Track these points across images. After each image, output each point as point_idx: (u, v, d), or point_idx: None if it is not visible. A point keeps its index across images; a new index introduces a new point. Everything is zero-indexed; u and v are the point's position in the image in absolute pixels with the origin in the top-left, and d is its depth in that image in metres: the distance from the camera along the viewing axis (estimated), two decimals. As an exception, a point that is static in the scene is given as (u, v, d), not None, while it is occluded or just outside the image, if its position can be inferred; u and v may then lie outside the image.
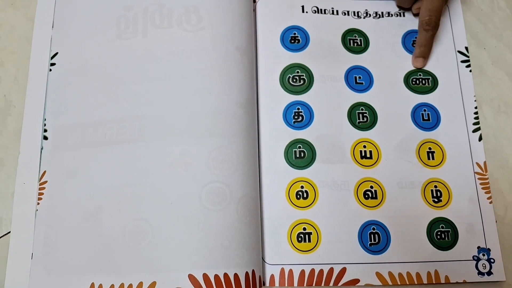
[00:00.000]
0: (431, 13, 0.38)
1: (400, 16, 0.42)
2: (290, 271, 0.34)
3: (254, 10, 0.41)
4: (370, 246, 0.35)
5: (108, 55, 0.38)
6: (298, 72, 0.40)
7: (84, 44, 0.39)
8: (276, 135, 0.38)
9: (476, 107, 0.39)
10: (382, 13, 0.42)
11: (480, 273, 0.35)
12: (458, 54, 0.41)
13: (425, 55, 0.40)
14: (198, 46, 0.37)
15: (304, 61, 0.40)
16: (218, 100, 0.35)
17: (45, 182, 0.36)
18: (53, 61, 0.39)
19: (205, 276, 0.32)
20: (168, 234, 0.33)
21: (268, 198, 0.36)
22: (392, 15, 0.42)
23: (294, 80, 0.39)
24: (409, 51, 0.41)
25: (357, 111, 0.39)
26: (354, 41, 0.41)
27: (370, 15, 0.42)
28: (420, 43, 0.40)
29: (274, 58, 0.40)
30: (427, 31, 0.39)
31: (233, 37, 0.38)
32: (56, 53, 0.39)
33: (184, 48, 0.37)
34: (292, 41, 0.41)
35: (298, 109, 0.39)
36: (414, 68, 0.40)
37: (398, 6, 0.42)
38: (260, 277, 0.33)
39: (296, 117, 0.38)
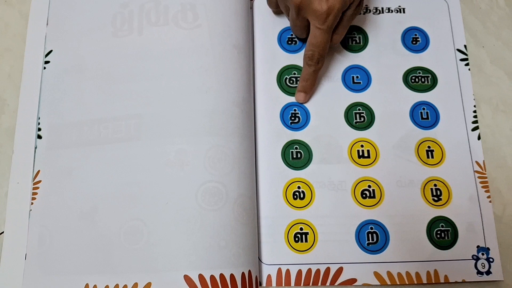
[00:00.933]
0: (313, 48, 0.35)
1: (400, 12, 0.42)
2: (287, 271, 0.34)
3: (252, 8, 0.41)
4: (368, 245, 0.35)
5: (103, 53, 0.38)
6: (295, 73, 0.40)
7: (79, 42, 0.38)
8: (273, 136, 0.38)
9: (475, 106, 0.39)
10: (382, 8, 0.42)
11: (479, 272, 0.35)
12: (457, 53, 0.41)
13: (307, 90, 0.38)
14: (194, 44, 0.37)
15: (300, 63, 0.40)
16: (214, 99, 0.35)
17: (39, 181, 0.35)
18: (47, 59, 0.38)
19: (201, 277, 0.31)
20: (164, 234, 0.32)
21: (265, 198, 0.36)
22: (392, 11, 0.42)
23: (291, 82, 0.39)
24: (409, 48, 0.41)
25: (354, 111, 0.39)
26: (353, 39, 0.41)
27: (370, 11, 0.41)
28: (303, 77, 0.38)
29: (271, 58, 0.40)
30: (309, 66, 0.37)
31: (230, 34, 0.37)
32: (51, 51, 0.39)
33: (180, 45, 0.37)
34: (289, 42, 0.40)
35: (295, 110, 0.38)
36: (413, 66, 0.40)
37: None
38: (256, 277, 0.33)
39: (293, 118, 0.38)
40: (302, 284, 0.34)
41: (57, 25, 0.39)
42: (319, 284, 0.34)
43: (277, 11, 0.41)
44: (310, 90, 0.38)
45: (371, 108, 0.39)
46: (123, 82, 0.37)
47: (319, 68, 0.37)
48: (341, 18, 0.35)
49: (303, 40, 0.40)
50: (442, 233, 0.36)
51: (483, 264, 0.35)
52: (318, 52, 0.36)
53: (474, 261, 0.35)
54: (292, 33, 0.40)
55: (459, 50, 0.41)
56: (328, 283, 0.34)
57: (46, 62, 0.38)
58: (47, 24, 0.39)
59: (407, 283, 0.34)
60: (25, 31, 0.40)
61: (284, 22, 0.41)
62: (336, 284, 0.34)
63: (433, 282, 0.34)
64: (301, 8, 0.34)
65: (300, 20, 0.36)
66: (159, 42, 0.37)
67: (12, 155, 0.36)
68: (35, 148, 0.36)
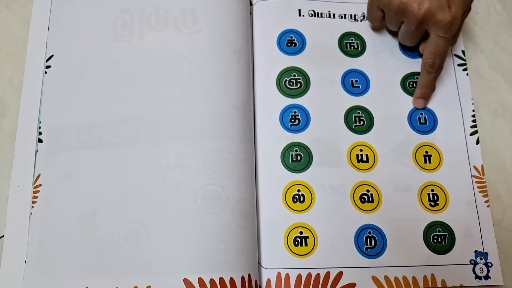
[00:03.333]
0: (435, 56, 0.37)
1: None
2: (287, 275, 0.34)
3: (251, 13, 0.41)
4: (366, 250, 0.35)
5: (104, 58, 0.38)
6: (294, 75, 0.40)
7: (80, 47, 0.39)
8: (273, 138, 0.38)
9: (473, 110, 0.39)
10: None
11: (477, 277, 0.35)
12: (455, 58, 0.41)
13: (427, 96, 0.39)
14: (194, 48, 0.37)
15: (300, 65, 0.40)
16: (214, 103, 0.35)
17: (40, 185, 0.35)
18: (48, 63, 0.39)
19: (201, 281, 0.31)
20: (164, 238, 0.32)
21: (264, 202, 0.36)
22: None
23: (291, 84, 0.39)
24: (407, 54, 0.41)
25: (353, 115, 0.39)
26: (351, 45, 0.41)
27: (366, 18, 0.42)
28: (422, 84, 0.38)
29: (270, 61, 0.40)
30: (430, 73, 0.38)
31: (230, 39, 0.38)
32: (52, 56, 0.39)
33: (180, 50, 0.37)
34: (289, 44, 0.40)
35: (295, 112, 0.39)
36: (411, 71, 0.40)
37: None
38: (256, 281, 0.33)
39: (292, 120, 0.38)
40: (301, 288, 0.34)
41: (58, 30, 0.39)
42: (319, 288, 0.34)
43: (379, 26, 0.41)
44: (429, 96, 0.39)
45: (370, 112, 0.39)
46: (123, 86, 0.37)
47: (438, 75, 0.38)
48: (460, 25, 0.36)
49: (411, 49, 0.40)
50: (439, 238, 0.36)
51: (481, 269, 0.35)
52: (439, 59, 0.37)
53: (472, 266, 0.35)
54: (291, 35, 0.41)
55: (457, 56, 0.41)
56: (327, 288, 0.34)
57: (47, 67, 0.39)
58: (48, 29, 0.40)
59: (403, 287, 0.34)
60: (26, 36, 0.40)
61: (283, 25, 0.41)
62: (335, 288, 0.34)
63: (430, 286, 0.34)
64: (423, 21, 0.35)
65: (419, 32, 0.37)
66: (159, 46, 0.37)
67: (13, 159, 0.36)
68: (36, 152, 0.36)
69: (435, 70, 0.37)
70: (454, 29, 0.35)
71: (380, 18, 0.39)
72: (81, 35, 0.39)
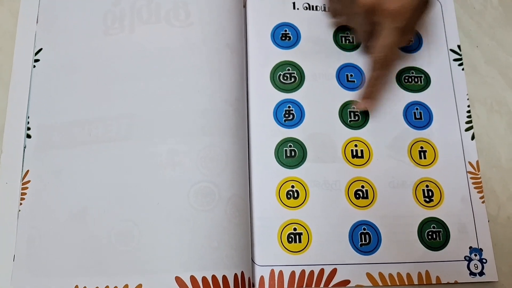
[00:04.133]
0: (382, 50, 0.34)
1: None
2: (280, 273, 0.34)
3: (245, 6, 0.41)
4: (361, 246, 0.35)
5: (94, 51, 0.37)
6: (289, 69, 0.39)
7: (69, 40, 0.38)
8: (266, 134, 0.37)
9: (469, 106, 0.39)
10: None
11: (472, 273, 0.35)
12: (451, 53, 0.41)
13: (374, 96, 0.37)
14: (186, 42, 0.36)
15: (295, 59, 0.39)
16: (207, 98, 0.35)
17: (28, 181, 0.35)
18: (37, 57, 0.38)
19: (193, 278, 0.31)
20: (155, 236, 0.32)
21: (258, 198, 0.36)
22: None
23: (285, 78, 0.39)
24: (402, 48, 0.40)
25: (348, 110, 0.38)
26: (346, 38, 0.41)
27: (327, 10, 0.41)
28: (369, 83, 0.36)
29: (264, 55, 0.40)
30: (379, 69, 0.35)
31: (223, 33, 0.37)
32: (41, 49, 0.38)
33: (172, 44, 0.36)
34: (283, 38, 0.40)
35: (289, 107, 0.38)
36: (407, 66, 0.40)
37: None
38: (249, 278, 0.33)
39: (287, 115, 0.38)
40: (295, 286, 0.34)
41: (47, 23, 0.39)
42: (313, 286, 0.34)
43: (335, 22, 0.40)
44: (377, 96, 0.37)
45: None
46: (114, 81, 0.36)
47: (387, 73, 0.36)
48: (410, 17, 0.34)
49: (367, 47, 0.39)
50: (434, 234, 0.36)
51: (475, 265, 0.35)
52: (386, 53, 0.35)
53: (467, 262, 0.35)
54: (286, 29, 0.40)
55: (452, 50, 0.41)
56: (322, 285, 0.34)
57: (36, 61, 0.38)
58: (37, 22, 0.39)
59: (398, 284, 0.34)
60: (14, 29, 0.39)
61: (277, 19, 0.40)
62: (330, 286, 0.34)
63: (425, 283, 0.34)
64: (371, 11, 0.33)
65: (369, 25, 0.35)
66: (151, 40, 0.37)
67: (1, 155, 0.36)
68: (24, 147, 0.36)
69: (382, 65, 0.35)
70: (403, 20, 0.33)
71: (338, 10, 0.38)
72: (71, 28, 0.38)
